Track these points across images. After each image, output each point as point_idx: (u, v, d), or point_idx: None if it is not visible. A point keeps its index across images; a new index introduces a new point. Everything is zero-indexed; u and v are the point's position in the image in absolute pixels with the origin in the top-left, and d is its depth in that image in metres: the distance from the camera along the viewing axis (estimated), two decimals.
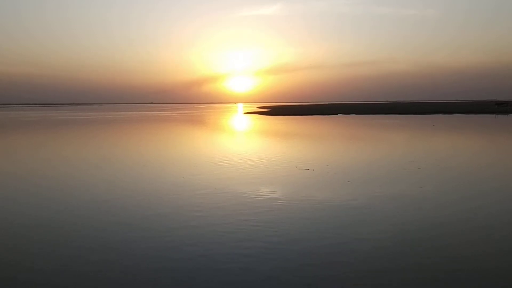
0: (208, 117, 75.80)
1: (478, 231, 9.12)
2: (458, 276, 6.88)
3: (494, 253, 7.87)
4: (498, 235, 8.86)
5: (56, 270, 7.27)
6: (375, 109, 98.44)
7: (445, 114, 73.54)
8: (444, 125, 45.58)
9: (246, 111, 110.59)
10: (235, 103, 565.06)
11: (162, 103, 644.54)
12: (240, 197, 12.33)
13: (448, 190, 13.06)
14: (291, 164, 18.28)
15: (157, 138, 33.96)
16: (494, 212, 10.58)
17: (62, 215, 10.60)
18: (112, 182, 14.94)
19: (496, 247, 8.17)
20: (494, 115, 68.81)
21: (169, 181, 14.88)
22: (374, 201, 11.66)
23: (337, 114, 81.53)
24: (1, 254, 8.09)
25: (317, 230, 9.26)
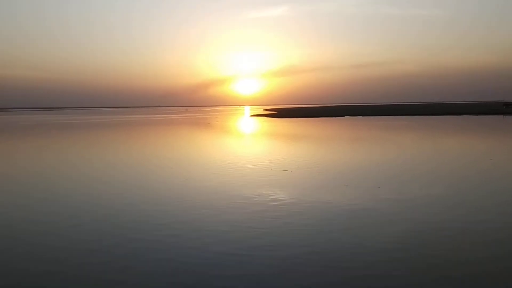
0: (214, 120, 76.31)
1: (483, 232, 9.35)
2: (465, 279, 7.05)
3: (502, 255, 8.06)
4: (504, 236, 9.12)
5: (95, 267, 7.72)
6: (382, 111, 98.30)
7: (453, 115, 73.30)
8: (448, 127, 45.57)
9: (252, 114, 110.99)
10: (241, 105, 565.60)
11: (170, 106, 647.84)
12: (242, 200, 12.72)
13: (446, 192, 13.28)
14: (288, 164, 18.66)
15: (164, 141, 34.49)
16: (501, 212, 10.82)
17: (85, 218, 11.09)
18: (123, 183, 15.44)
19: (502, 249, 8.42)
20: (502, 116, 68.45)
21: (171, 182, 15.38)
22: (375, 204, 11.98)
23: (344, 116, 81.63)
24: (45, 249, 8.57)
25: (316, 232, 9.63)
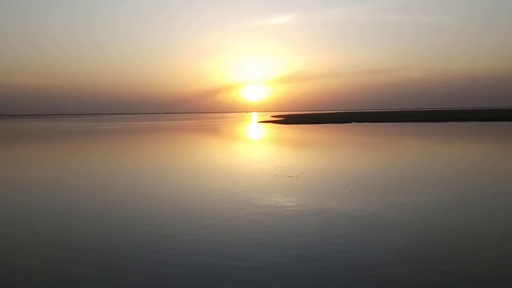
0: (223, 127, 76.56)
1: (488, 236, 9.44)
2: (472, 283, 7.13)
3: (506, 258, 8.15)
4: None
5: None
6: (389, 117, 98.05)
7: (461, 122, 72.93)
8: (456, 133, 45.42)
9: (260, 120, 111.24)
10: (249, 112, 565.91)
11: (178, 113, 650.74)
12: (246, 208, 12.92)
13: (454, 200, 13.32)
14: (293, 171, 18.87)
15: (172, 148, 34.83)
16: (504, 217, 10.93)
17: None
18: (133, 188, 15.68)
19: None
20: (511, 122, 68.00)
21: (180, 188, 15.69)
22: (382, 211, 12.11)
23: (351, 122, 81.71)
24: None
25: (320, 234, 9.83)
